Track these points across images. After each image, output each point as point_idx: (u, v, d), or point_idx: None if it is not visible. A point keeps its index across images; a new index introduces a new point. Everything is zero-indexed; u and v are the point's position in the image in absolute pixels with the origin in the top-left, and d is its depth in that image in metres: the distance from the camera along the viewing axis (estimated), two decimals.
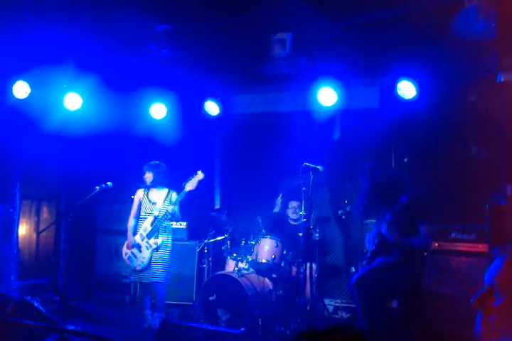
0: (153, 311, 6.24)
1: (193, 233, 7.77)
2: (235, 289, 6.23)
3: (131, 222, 6.40)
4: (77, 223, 7.59)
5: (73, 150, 7.79)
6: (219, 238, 7.21)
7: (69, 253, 7.97)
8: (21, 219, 7.34)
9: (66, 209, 7.91)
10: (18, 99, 6.61)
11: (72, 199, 7.64)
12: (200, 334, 4.97)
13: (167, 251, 6.24)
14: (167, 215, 6.19)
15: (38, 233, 7.72)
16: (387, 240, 4.97)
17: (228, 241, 7.07)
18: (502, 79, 4.97)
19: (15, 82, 6.58)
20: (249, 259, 6.61)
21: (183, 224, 7.72)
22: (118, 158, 7.62)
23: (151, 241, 6.15)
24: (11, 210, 7.02)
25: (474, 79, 6.00)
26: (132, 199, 6.49)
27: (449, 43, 5.61)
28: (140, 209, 6.39)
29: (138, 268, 6.16)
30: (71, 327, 5.57)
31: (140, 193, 6.44)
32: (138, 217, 6.38)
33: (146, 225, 6.23)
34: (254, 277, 6.52)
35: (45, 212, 7.94)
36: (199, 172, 6.26)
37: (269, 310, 6.38)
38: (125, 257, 6.31)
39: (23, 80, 6.58)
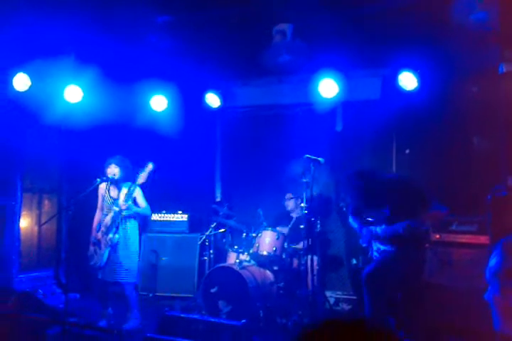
0: (127, 312, 6.11)
1: (194, 225, 7.76)
2: (236, 281, 6.24)
3: (96, 217, 6.19)
4: (78, 215, 7.57)
5: (74, 142, 7.77)
6: (220, 230, 7.22)
7: (70, 245, 7.98)
8: (23, 212, 7.34)
9: (67, 201, 7.90)
10: (19, 91, 6.59)
11: (73, 192, 7.62)
12: (201, 326, 4.98)
13: (131, 249, 6.02)
14: (121, 212, 5.94)
15: (40, 225, 7.72)
16: (395, 235, 4.95)
17: (229, 234, 7.08)
18: (504, 70, 4.95)
19: (15, 75, 6.56)
20: (251, 251, 6.61)
21: (184, 217, 7.71)
22: (119, 150, 7.59)
23: (108, 237, 5.92)
24: (13, 203, 7.01)
25: (475, 70, 5.97)
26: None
27: (450, 34, 5.58)
28: (104, 204, 6.16)
29: (96, 265, 5.95)
30: (73, 319, 5.59)
31: (102, 187, 6.18)
32: (103, 213, 6.16)
33: (107, 221, 6.00)
34: (255, 269, 6.52)
35: (46, 205, 7.94)
36: (149, 164, 6.01)
37: (271, 302, 6.39)
38: (88, 254, 6.08)
39: (24, 72, 6.56)
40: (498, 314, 1.71)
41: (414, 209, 4.93)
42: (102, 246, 5.96)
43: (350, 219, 5.52)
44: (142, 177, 5.99)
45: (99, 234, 6.02)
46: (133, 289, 6.12)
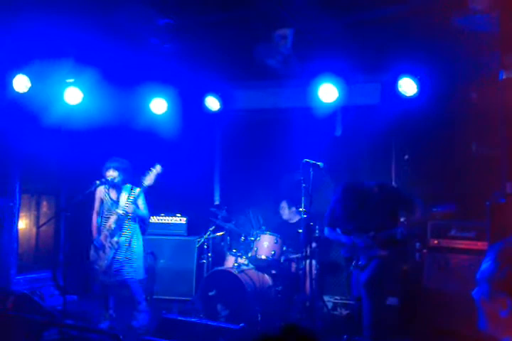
0: (135, 311, 6.17)
1: (192, 228, 7.76)
2: (234, 285, 6.24)
3: (94, 220, 6.21)
4: (76, 217, 7.55)
5: (73, 144, 7.76)
6: (219, 234, 7.21)
7: (69, 247, 7.96)
8: (21, 213, 7.33)
9: (66, 203, 7.89)
10: (19, 92, 6.58)
11: (72, 194, 7.61)
12: (199, 329, 4.98)
13: (135, 250, 6.05)
14: (127, 214, 5.98)
15: (38, 227, 7.71)
16: (389, 239, 4.95)
17: (228, 237, 7.07)
18: (504, 77, 4.96)
19: (15, 76, 6.56)
20: (249, 255, 6.61)
21: (183, 220, 7.72)
22: (118, 152, 7.59)
23: (113, 240, 5.95)
24: (11, 204, 7.00)
25: (475, 77, 5.99)
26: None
27: (450, 41, 5.60)
28: (103, 207, 6.17)
29: (101, 269, 5.97)
30: (70, 322, 5.58)
31: (101, 190, 6.19)
32: (102, 216, 6.16)
33: (110, 224, 6.00)
34: (253, 273, 6.53)
35: (44, 206, 7.93)
36: (157, 165, 5.99)
37: (269, 306, 6.39)
38: (91, 259, 6.08)
39: (23, 74, 6.56)
40: (483, 315, 1.74)
41: (400, 214, 4.98)
42: (107, 249, 5.98)
43: (326, 231, 5.48)
44: (148, 179, 5.98)
45: (103, 238, 6.02)
46: (138, 285, 6.14)
